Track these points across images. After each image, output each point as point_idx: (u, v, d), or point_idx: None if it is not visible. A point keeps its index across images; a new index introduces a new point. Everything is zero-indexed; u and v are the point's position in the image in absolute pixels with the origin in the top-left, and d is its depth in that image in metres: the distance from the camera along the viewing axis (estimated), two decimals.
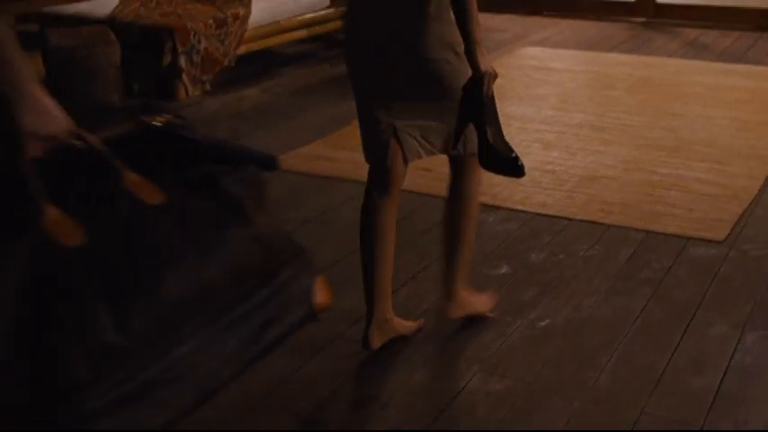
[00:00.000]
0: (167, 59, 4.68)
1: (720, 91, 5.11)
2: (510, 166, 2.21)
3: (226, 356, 1.31)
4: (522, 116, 4.55)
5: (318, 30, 6.01)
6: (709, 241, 3.18)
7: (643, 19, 6.95)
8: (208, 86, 4.94)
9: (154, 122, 1.44)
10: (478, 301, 2.70)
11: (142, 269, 1.24)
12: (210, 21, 4.97)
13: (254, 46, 5.46)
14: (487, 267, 3.02)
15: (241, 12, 5.22)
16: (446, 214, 2.52)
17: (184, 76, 4.74)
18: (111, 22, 4.92)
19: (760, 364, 2.45)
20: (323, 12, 6.00)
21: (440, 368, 2.49)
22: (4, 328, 1.10)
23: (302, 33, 5.87)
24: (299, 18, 5.78)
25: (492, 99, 2.18)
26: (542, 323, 2.69)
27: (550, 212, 3.46)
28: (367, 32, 2.32)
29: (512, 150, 2.21)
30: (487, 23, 7.17)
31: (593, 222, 3.36)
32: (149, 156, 1.38)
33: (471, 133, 2.24)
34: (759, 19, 6.77)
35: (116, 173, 1.32)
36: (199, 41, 4.85)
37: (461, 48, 2.15)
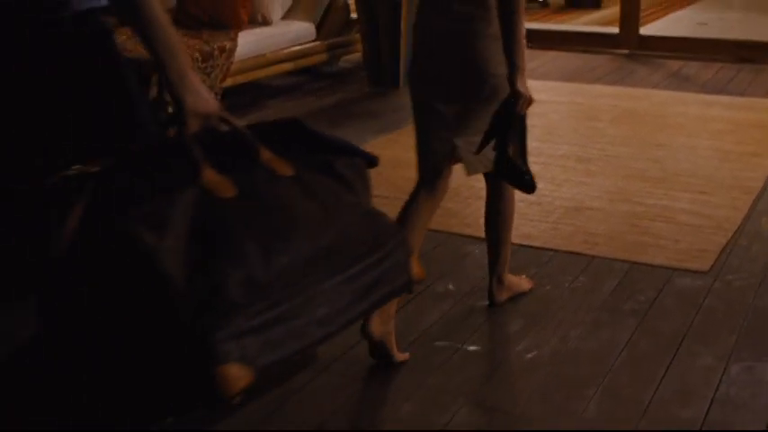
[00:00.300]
0: (153, 92, 4.68)
1: (703, 122, 5.16)
2: (522, 180, 2.53)
3: (341, 306, 1.54)
4: None
5: (305, 62, 6.04)
6: (694, 272, 3.20)
7: (626, 51, 7.02)
8: None
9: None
10: (521, 282, 3.05)
11: (281, 221, 1.50)
12: (197, 54, 4.99)
13: (241, 79, 5.47)
14: (474, 299, 3.02)
15: (227, 45, 5.24)
16: (487, 215, 2.88)
17: (170, 109, 4.74)
18: None
19: (745, 395, 2.45)
20: (309, 44, 6.04)
21: (427, 400, 2.48)
22: (181, 259, 1.38)
23: (288, 66, 5.89)
24: (285, 51, 5.81)
25: (522, 119, 2.49)
26: (529, 355, 2.69)
27: (536, 244, 3.46)
28: (431, 51, 2.60)
29: (528, 169, 2.52)
30: None
31: (579, 254, 3.37)
32: (277, 142, 1.63)
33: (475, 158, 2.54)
34: (740, 51, 6.86)
35: (254, 148, 1.59)
36: None
37: (501, 69, 2.46)
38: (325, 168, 1.65)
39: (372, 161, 1.74)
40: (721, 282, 3.12)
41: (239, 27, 5.57)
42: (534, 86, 5.68)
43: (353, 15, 6.29)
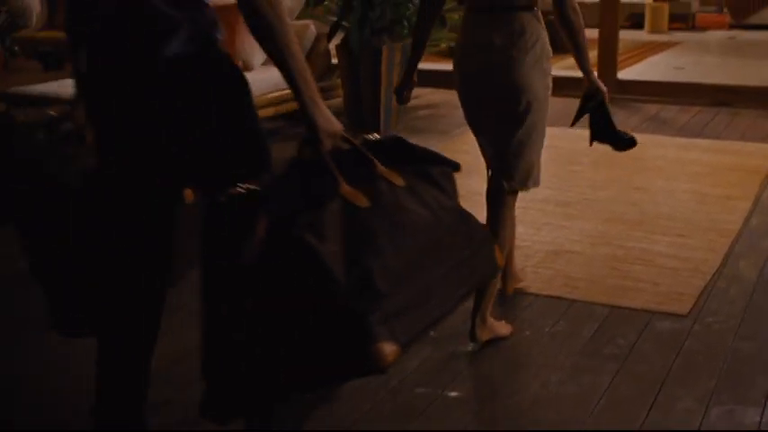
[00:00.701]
0: None
1: (681, 165, 5.21)
2: (624, 140, 3.11)
3: (451, 291, 1.91)
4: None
5: (285, 108, 6.06)
6: (674, 315, 3.21)
7: None
8: None
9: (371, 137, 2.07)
10: (501, 327, 3.07)
11: (404, 224, 1.85)
12: None
13: None
14: (455, 344, 3.01)
15: None
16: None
17: None
18: (76, 102, 4.93)
19: None
20: (289, 90, 6.06)
21: None
22: (339, 258, 1.72)
23: (269, 111, 5.91)
24: (266, 96, 5.84)
25: (605, 102, 3.03)
26: (510, 400, 2.67)
27: (516, 288, 3.46)
28: (475, 81, 2.89)
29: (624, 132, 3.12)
30: (453, 100, 7.27)
31: (559, 298, 3.38)
32: (385, 156, 1.97)
33: (517, 173, 2.96)
34: (716, 95, 6.96)
35: (372, 163, 1.92)
36: None
37: (544, 93, 2.89)
38: (426, 177, 2.01)
39: (456, 167, 2.09)
40: (700, 325, 3.13)
41: None
42: None
43: (335, 61, 6.34)
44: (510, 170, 2.96)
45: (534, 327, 3.14)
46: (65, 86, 5.33)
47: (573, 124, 3.16)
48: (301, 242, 1.72)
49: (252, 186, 1.89)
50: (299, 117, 1.99)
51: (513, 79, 2.79)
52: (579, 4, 2.87)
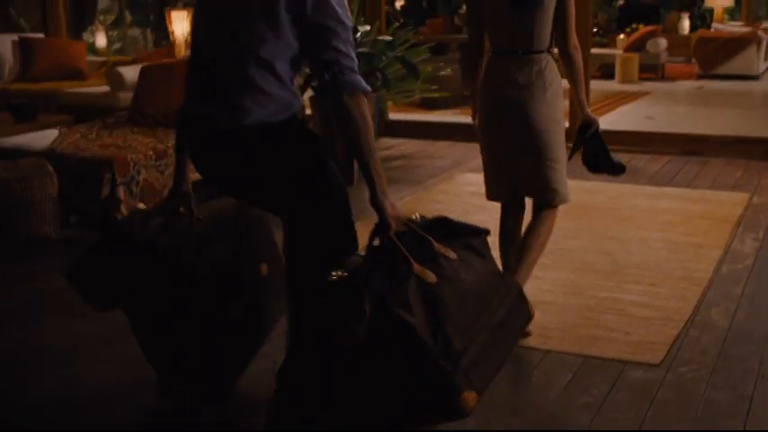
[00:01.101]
0: (106, 191, 4.68)
1: (653, 214, 5.25)
2: (616, 167, 3.51)
3: (505, 340, 2.40)
4: None
5: None
6: (646, 365, 3.20)
7: None
8: None
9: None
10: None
11: (463, 291, 2.30)
12: (151, 152, 5.00)
13: (194, 176, 5.46)
14: None
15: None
16: (525, 235, 3.48)
17: (122, 207, 4.71)
18: (49, 154, 4.93)
19: None
20: None
21: None
22: (426, 328, 2.15)
23: None
24: None
25: (598, 132, 3.45)
26: None
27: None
28: (499, 114, 3.36)
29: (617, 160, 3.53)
30: (426, 150, 7.34)
31: (532, 348, 3.37)
32: (436, 232, 2.40)
33: (550, 190, 3.41)
34: (686, 144, 7.06)
35: (428, 242, 2.35)
36: (138, 172, 4.86)
37: (562, 120, 3.39)
38: (471, 248, 2.44)
39: (488, 233, 2.54)
40: (673, 374, 3.13)
41: None
42: None
43: (308, 112, 6.38)
44: (547, 189, 3.42)
45: (508, 377, 3.13)
46: (37, 139, 5.32)
47: (570, 157, 3.45)
48: (399, 319, 2.14)
49: (343, 273, 2.32)
50: (371, 204, 2.38)
51: (538, 111, 3.31)
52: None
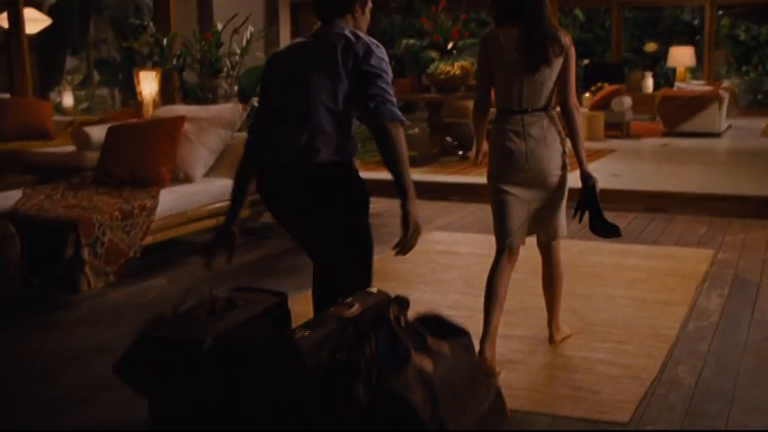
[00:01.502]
0: (70, 252, 4.62)
1: (620, 271, 5.28)
2: (612, 230, 3.81)
3: (491, 422, 2.81)
4: (428, 302, 4.59)
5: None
6: (614, 423, 3.19)
7: None
8: (112, 278, 4.86)
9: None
10: (566, 330, 4.09)
11: (455, 381, 2.67)
12: (116, 212, 4.97)
13: (162, 236, 5.45)
14: None
15: (148, 203, 5.24)
16: (543, 279, 4.02)
17: (87, 269, 4.67)
18: (12, 215, 4.88)
19: None
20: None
21: None
22: (427, 408, 2.52)
23: (211, 222, 5.88)
24: (207, 208, 5.83)
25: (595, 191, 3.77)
26: None
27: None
28: (511, 160, 3.67)
29: (610, 223, 3.83)
30: (395, 208, 7.32)
31: None
32: (430, 328, 2.82)
33: (557, 227, 3.83)
34: (651, 201, 7.14)
35: (423, 337, 2.76)
36: (103, 233, 4.82)
37: (566, 166, 3.73)
38: (461, 345, 2.85)
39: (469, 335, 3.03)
40: None
41: (161, 185, 5.60)
42: (455, 239, 5.87)
43: None
44: (555, 225, 3.84)
45: None
46: (2, 199, 5.26)
47: (575, 216, 3.81)
48: (401, 397, 2.48)
49: (342, 357, 2.60)
50: (402, 207, 2.94)
51: (551, 159, 3.66)
52: None
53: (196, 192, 5.81)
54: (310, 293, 4.83)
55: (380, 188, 7.84)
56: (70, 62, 10.88)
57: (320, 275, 3.29)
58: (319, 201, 3.06)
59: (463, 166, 9.74)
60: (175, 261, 5.62)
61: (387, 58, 3.08)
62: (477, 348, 3.32)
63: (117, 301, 4.81)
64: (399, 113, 3.00)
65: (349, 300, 2.81)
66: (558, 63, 3.61)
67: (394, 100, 3.02)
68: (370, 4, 3.24)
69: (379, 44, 3.11)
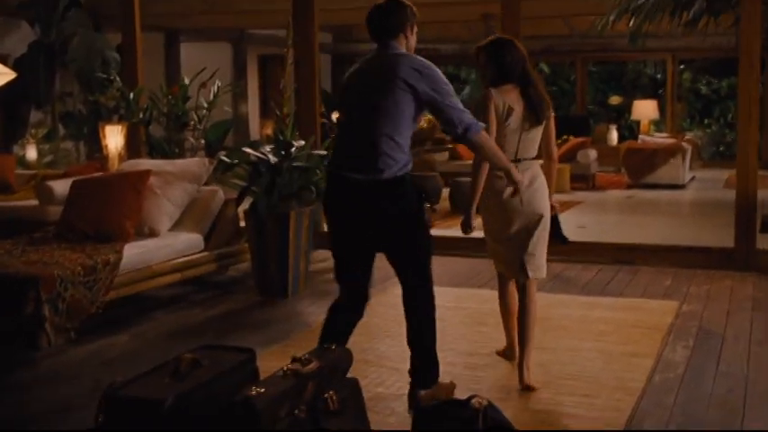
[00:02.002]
0: (30, 308, 4.53)
1: (586, 323, 5.28)
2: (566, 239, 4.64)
3: None
4: (394, 355, 4.56)
5: (193, 273, 6.00)
6: None
7: None
8: (73, 335, 4.77)
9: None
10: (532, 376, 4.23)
11: None
12: (79, 268, 4.89)
13: (126, 291, 5.37)
14: None
15: (112, 258, 5.18)
16: (518, 319, 4.29)
17: (47, 325, 4.58)
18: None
19: None
20: (197, 255, 6.02)
21: None
22: None
23: (176, 277, 5.84)
24: (172, 262, 5.77)
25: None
26: None
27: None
28: (496, 202, 4.16)
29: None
30: None
31: None
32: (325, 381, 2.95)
33: (539, 267, 4.23)
34: (616, 253, 7.18)
35: (322, 392, 2.93)
36: (65, 289, 4.74)
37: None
38: (346, 399, 2.99)
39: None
40: None
41: (125, 240, 5.54)
42: None
43: (243, 223, 6.35)
44: (541, 257, 4.21)
45: None
46: None
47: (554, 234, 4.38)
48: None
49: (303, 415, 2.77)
50: (507, 176, 3.79)
51: (542, 200, 4.14)
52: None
53: (161, 246, 5.76)
54: (279, 349, 4.80)
55: None
56: (35, 115, 10.82)
57: (398, 274, 3.88)
58: (385, 208, 3.64)
59: (431, 218, 9.76)
60: (139, 316, 5.54)
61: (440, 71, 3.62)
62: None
63: (78, 358, 4.72)
64: (477, 123, 3.62)
65: (306, 356, 2.79)
66: (549, 119, 4.22)
67: (465, 110, 3.60)
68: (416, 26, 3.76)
69: (429, 62, 3.62)
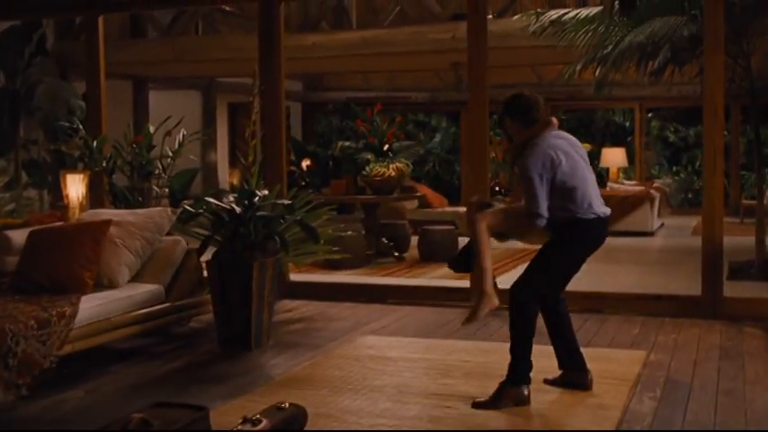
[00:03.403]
0: None
1: (553, 374, 5.19)
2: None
3: None
4: (357, 410, 4.45)
5: (153, 324, 5.86)
6: None
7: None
8: (24, 391, 4.60)
9: None
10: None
11: None
12: (32, 321, 4.75)
13: (82, 345, 5.21)
14: None
15: (68, 310, 5.04)
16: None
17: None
18: None
19: None
20: (158, 306, 5.89)
21: None
22: None
23: (135, 329, 5.70)
24: (132, 314, 5.64)
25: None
26: None
27: None
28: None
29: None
30: (328, 312, 7.23)
31: None
32: None
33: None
34: (585, 301, 7.13)
35: None
36: (16, 343, 4.59)
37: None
38: None
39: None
40: None
41: (82, 291, 5.41)
42: (387, 343, 5.75)
43: (206, 274, 6.23)
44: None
45: None
46: None
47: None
48: None
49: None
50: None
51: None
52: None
53: (120, 298, 5.62)
54: (240, 402, 4.68)
55: (313, 291, 7.80)
56: None
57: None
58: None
59: (398, 267, 9.68)
60: (95, 371, 5.39)
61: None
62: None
63: (29, 415, 4.55)
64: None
65: (257, 416, 2.70)
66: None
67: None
68: None
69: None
